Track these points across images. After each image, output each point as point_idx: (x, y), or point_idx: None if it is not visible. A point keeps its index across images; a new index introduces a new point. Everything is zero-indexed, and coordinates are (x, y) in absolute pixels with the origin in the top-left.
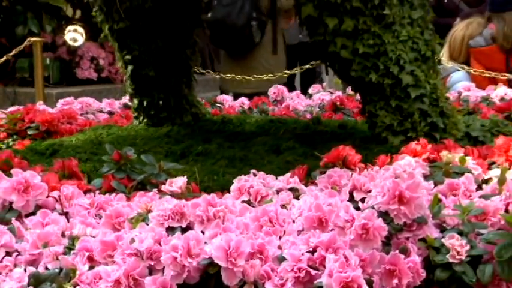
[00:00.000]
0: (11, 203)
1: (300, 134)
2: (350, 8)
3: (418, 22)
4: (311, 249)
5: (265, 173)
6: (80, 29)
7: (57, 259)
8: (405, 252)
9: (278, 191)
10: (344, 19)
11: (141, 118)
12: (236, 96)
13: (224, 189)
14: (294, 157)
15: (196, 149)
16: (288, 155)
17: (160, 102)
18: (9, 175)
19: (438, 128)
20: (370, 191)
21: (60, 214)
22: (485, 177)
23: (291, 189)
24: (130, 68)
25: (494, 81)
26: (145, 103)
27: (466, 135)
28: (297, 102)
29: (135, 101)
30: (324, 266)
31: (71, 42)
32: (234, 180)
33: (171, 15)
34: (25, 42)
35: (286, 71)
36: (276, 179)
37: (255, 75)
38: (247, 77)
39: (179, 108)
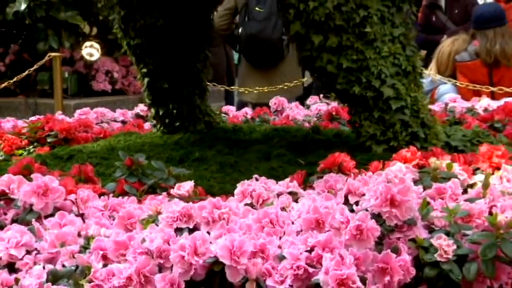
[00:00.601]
0: (31, 205)
1: (293, 142)
2: (334, 25)
3: (400, 39)
4: (309, 248)
5: (250, 178)
6: (96, 45)
7: (74, 257)
8: (396, 251)
9: (278, 195)
10: (329, 36)
11: (158, 126)
12: (255, 107)
13: (207, 193)
14: (279, 164)
15: (194, 155)
16: (274, 162)
17: (174, 111)
18: (30, 179)
19: (419, 138)
20: (363, 195)
21: (77, 215)
22: (471, 182)
23: (290, 193)
24: (146, 80)
25: (478, 93)
26: (161, 112)
27: (446, 145)
28: (296, 112)
29: (152, 110)
30: (321, 264)
31: (87, 57)
32: (238, 185)
33: (182, 32)
34: (46, 57)
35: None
36: (277, 183)
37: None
38: (275, 87)
39: (192, 117)
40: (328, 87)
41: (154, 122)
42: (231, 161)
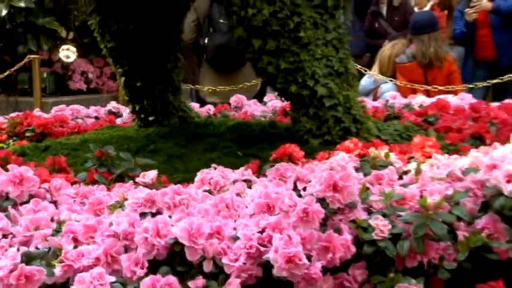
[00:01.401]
0: (7, 193)
1: (242, 135)
2: (271, 30)
3: (333, 43)
4: (260, 230)
5: (190, 168)
6: (72, 48)
7: (46, 240)
8: (338, 231)
9: (234, 182)
10: (268, 40)
11: (136, 120)
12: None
13: None
14: (218, 155)
15: (149, 147)
16: (216, 154)
17: (148, 107)
18: (7, 170)
19: (351, 132)
20: (310, 181)
21: (50, 202)
22: (405, 169)
23: (245, 180)
24: (123, 79)
25: (414, 91)
26: (137, 108)
27: (377, 139)
28: (253, 109)
29: (130, 106)
30: (271, 244)
31: (64, 59)
32: (198, 173)
33: (151, 37)
34: (25, 59)
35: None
36: (233, 171)
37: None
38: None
39: (166, 112)
40: (271, 85)
41: (134, 117)
42: (179, 153)
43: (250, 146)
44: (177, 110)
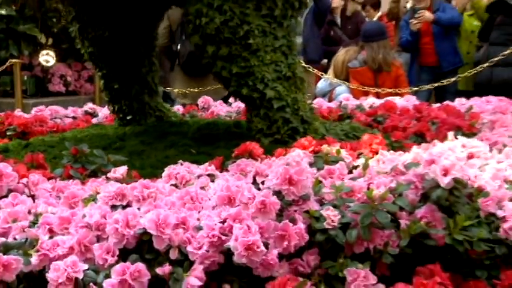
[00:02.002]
0: None
1: (204, 134)
2: (223, 38)
3: (282, 49)
4: (222, 220)
5: (145, 164)
6: (52, 53)
7: (24, 231)
8: (293, 221)
9: (199, 176)
10: (221, 46)
11: (116, 119)
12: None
13: None
14: (175, 153)
15: (116, 144)
16: (172, 151)
17: (126, 107)
18: None
19: (299, 132)
20: (268, 176)
21: (28, 196)
22: (355, 164)
23: (208, 175)
24: (102, 81)
25: (366, 93)
26: (116, 108)
27: (324, 138)
28: (219, 109)
29: (111, 106)
30: (232, 233)
31: (44, 63)
32: (165, 169)
33: (126, 43)
34: (7, 63)
35: None
36: (198, 167)
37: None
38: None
39: (143, 112)
40: (226, 88)
41: (114, 116)
42: (139, 150)
43: (208, 144)
44: (154, 110)
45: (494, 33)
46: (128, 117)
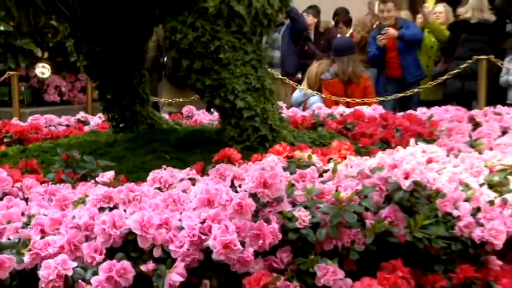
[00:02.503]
0: None
1: (185, 141)
2: (196, 52)
3: (251, 63)
4: (202, 221)
5: (122, 169)
6: (47, 66)
7: (17, 232)
8: (268, 221)
9: (181, 180)
10: (194, 60)
11: (110, 127)
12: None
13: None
14: (150, 158)
15: (101, 150)
16: (149, 157)
17: (118, 116)
18: None
19: (268, 140)
20: (244, 179)
21: (22, 199)
22: (325, 168)
23: (190, 179)
24: (97, 92)
25: (337, 103)
26: (110, 116)
27: (291, 146)
28: (202, 117)
29: (105, 115)
30: (211, 233)
31: (40, 75)
32: (150, 173)
33: (118, 56)
34: (5, 75)
35: None
36: (180, 171)
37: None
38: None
39: (135, 120)
40: (201, 99)
41: (109, 124)
42: (121, 156)
43: (186, 150)
44: (145, 118)
45: (460, 49)
46: (121, 125)
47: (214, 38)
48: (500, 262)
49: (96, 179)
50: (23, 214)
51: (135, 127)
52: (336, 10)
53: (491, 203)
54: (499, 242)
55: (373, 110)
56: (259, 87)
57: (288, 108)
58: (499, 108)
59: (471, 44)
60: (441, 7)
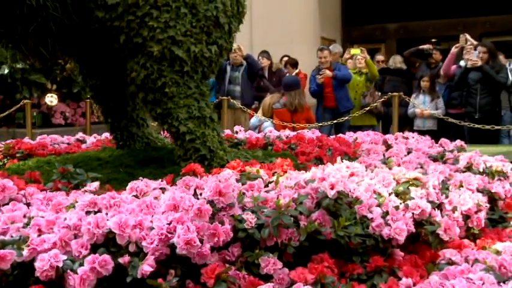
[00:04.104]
0: None
1: (152, 157)
2: (148, 87)
3: (194, 96)
4: (169, 222)
5: (108, 179)
6: (55, 96)
7: (19, 231)
8: (222, 223)
9: (154, 189)
10: (148, 93)
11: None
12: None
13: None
14: (108, 171)
15: (88, 165)
16: (112, 169)
17: (119, 136)
18: None
19: (207, 158)
20: (204, 189)
21: (25, 204)
22: (270, 180)
23: (161, 188)
24: (102, 117)
25: (284, 127)
26: (114, 136)
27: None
28: None
29: (111, 135)
30: (176, 232)
31: (49, 103)
32: (129, 183)
33: (114, 87)
34: (21, 103)
35: None
36: (154, 182)
37: None
38: None
39: (132, 139)
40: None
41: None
42: (94, 167)
43: (146, 165)
44: (141, 137)
45: (386, 86)
46: (121, 143)
47: (161, 76)
48: (402, 253)
49: (85, 187)
50: (24, 216)
51: (133, 145)
52: (284, 55)
53: (397, 208)
54: (402, 238)
55: (312, 133)
56: (200, 116)
57: (246, 131)
58: (406, 133)
59: (393, 82)
60: (363, 53)
